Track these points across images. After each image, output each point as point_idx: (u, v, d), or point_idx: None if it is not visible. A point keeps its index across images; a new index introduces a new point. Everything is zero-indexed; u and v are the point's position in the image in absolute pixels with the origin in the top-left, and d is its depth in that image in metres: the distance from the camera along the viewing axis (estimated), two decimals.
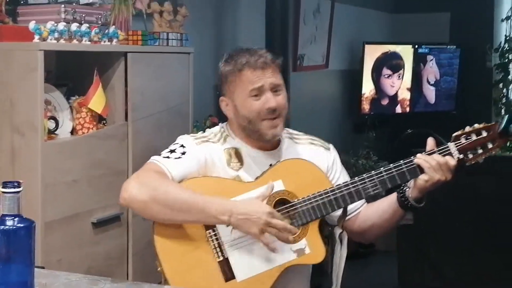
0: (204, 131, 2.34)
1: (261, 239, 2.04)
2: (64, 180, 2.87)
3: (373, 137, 6.47)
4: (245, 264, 2.10)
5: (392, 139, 6.73)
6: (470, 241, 3.96)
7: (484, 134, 2.11)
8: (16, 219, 1.56)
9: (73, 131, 3.05)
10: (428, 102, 7.11)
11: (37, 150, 2.76)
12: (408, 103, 6.94)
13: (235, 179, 2.20)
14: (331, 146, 2.40)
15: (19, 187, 1.56)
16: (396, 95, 6.86)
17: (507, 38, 6.97)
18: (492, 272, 3.94)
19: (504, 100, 7.04)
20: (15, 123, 2.79)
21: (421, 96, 7.05)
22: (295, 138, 2.37)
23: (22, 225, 1.56)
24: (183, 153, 2.18)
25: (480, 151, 2.11)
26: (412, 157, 2.11)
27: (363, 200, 2.30)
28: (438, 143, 2.15)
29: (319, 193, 2.14)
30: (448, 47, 7.16)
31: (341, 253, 2.25)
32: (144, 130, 3.28)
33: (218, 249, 2.10)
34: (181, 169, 2.15)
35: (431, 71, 7.08)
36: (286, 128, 2.35)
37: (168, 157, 2.18)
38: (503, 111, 7.02)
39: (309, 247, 2.13)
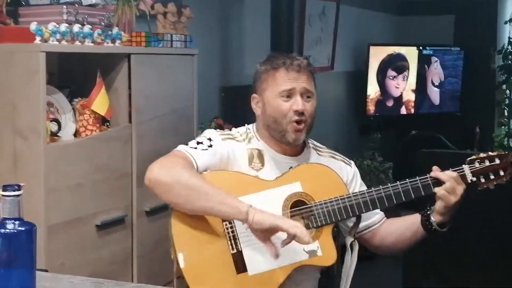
0: (230, 129, 2.40)
1: (266, 245, 2.05)
2: (67, 183, 2.85)
3: (378, 138, 6.48)
4: (258, 259, 2.13)
5: (397, 140, 6.74)
6: (478, 247, 3.93)
7: (497, 161, 2.20)
8: (16, 222, 1.54)
9: (76, 133, 3.02)
10: (433, 104, 7.12)
11: (39, 153, 2.73)
12: (413, 104, 6.96)
13: (255, 177, 2.25)
14: (352, 162, 2.46)
15: (19, 190, 1.54)
16: (401, 96, 6.87)
17: (511, 40, 7.01)
18: (500, 279, 3.90)
19: (507, 101, 7.07)
20: (17, 126, 2.76)
21: (426, 98, 7.06)
22: (318, 149, 2.42)
23: (23, 228, 1.54)
24: (210, 146, 2.24)
25: (492, 176, 2.20)
26: (428, 175, 2.20)
27: (383, 214, 2.38)
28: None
29: (336, 199, 2.19)
30: (452, 49, 7.20)
31: (351, 262, 2.27)
32: (148, 132, 3.26)
33: (233, 242, 2.14)
34: (206, 160, 2.20)
35: (436, 72, 7.09)
36: (310, 139, 2.41)
37: (195, 147, 2.23)
38: (506, 112, 7.03)
39: (321, 250, 2.16)
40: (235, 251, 2.13)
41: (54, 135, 2.88)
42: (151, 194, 3.24)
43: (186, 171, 2.12)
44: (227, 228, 2.14)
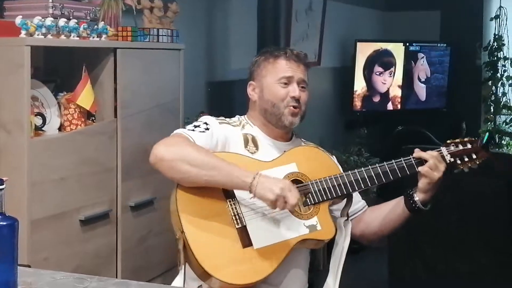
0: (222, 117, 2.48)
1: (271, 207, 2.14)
2: (51, 178, 2.84)
3: (364, 133, 6.49)
4: (262, 233, 2.20)
5: (384, 135, 6.75)
6: (463, 236, 3.95)
7: (469, 146, 2.37)
8: None
9: (61, 128, 3.01)
10: (419, 99, 7.14)
11: (23, 147, 2.72)
12: (399, 100, 6.97)
13: (252, 158, 2.34)
14: (333, 156, 2.56)
15: (2, 184, 1.53)
16: (387, 92, 6.88)
17: (496, 36, 7.06)
18: (485, 267, 3.93)
19: (493, 97, 7.10)
20: (1, 120, 2.75)
21: (412, 94, 7.08)
22: (303, 141, 2.56)
23: (4, 223, 1.54)
24: (207, 129, 2.32)
25: (466, 159, 2.35)
26: (411, 156, 2.32)
27: (364, 203, 2.52)
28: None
29: (330, 177, 2.30)
30: (439, 45, 7.22)
31: (344, 240, 2.34)
32: (134, 127, 3.25)
33: (237, 217, 2.20)
34: (204, 141, 2.27)
35: (422, 68, 7.11)
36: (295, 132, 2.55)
37: (193, 130, 2.31)
38: (492, 108, 7.06)
39: (320, 225, 2.26)
40: (239, 226, 2.19)
41: (38, 129, 2.87)
42: (136, 189, 3.27)
43: (188, 147, 2.20)
44: (231, 205, 2.21)
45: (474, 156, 2.35)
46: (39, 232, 2.78)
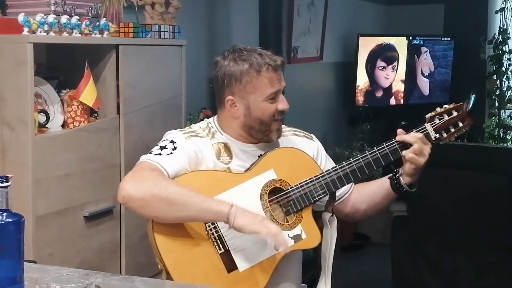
0: (190, 126, 2.35)
1: (260, 233, 2.07)
2: (55, 174, 2.85)
3: (367, 129, 6.48)
4: (246, 254, 2.13)
5: (387, 131, 6.73)
6: (466, 234, 3.96)
7: (455, 113, 2.28)
8: (4, 214, 1.55)
9: (64, 125, 3.02)
10: (422, 94, 7.12)
11: (27, 144, 2.73)
12: (402, 95, 6.95)
13: (226, 171, 2.22)
14: (313, 135, 2.47)
15: (7, 182, 1.54)
16: (390, 87, 6.87)
17: (501, 29, 6.98)
18: (488, 266, 3.93)
19: (497, 91, 7.06)
20: (5, 117, 2.76)
21: (415, 88, 7.06)
22: (283, 130, 2.41)
23: (10, 220, 1.55)
24: (174, 149, 2.19)
25: (452, 129, 2.27)
26: (393, 139, 2.25)
27: (352, 183, 2.39)
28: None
29: (311, 179, 2.22)
30: (442, 39, 7.18)
31: (331, 237, 2.28)
32: (136, 123, 3.26)
33: (218, 242, 2.12)
34: (174, 164, 2.15)
35: (425, 63, 7.09)
36: None
37: (159, 153, 2.18)
38: (496, 103, 7.03)
39: (305, 233, 2.19)
40: (222, 250, 2.12)
41: (42, 126, 2.88)
42: None
43: (159, 182, 2.08)
44: (210, 230, 2.13)
45: (460, 124, 2.28)
46: (44, 228, 2.79)
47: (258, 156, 2.27)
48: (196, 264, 2.11)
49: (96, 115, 3.16)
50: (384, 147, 2.23)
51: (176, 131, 2.29)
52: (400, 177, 2.27)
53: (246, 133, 2.29)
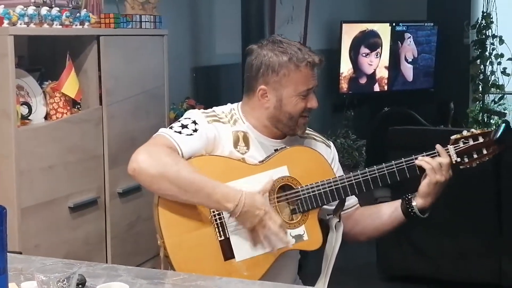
0: (213, 109, 2.30)
1: (253, 235, 2.09)
2: (39, 166, 2.86)
3: (351, 116, 6.50)
4: (245, 246, 2.12)
5: (371, 117, 6.76)
6: (450, 217, 3.98)
7: (481, 140, 2.20)
8: None
9: (47, 116, 3.03)
10: (406, 80, 7.13)
11: (10, 137, 2.74)
12: (386, 81, 6.97)
13: (240, 160, 2.20)
14: (331, 144, 2.44)
15: None
16: (374, 73, 6.88)
17: (484, 14, 6.98)
18: (472, 248, 3.96)
19: (481, 76, 7.07)
20: None
21: (399, 74, 7.08)
22: (305, 134, 2.38)
23: None
24: (195, 130, 2.16)
25: (475, 155, 2.20)
26: (413, 156, 2.19)
27: (356, 200, 2.37)
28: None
29: (322, 183, 2.18)
30: (426, 24, 7.18)
31: (335, 242, 2.25)
32: (119, 114, 3.27)
33: (220, 229, 2.11)
34: (192, 146, 2.14)
35: (409, 49, 7.10)
36: None
37: (180, 132, 2.15)
38: (480, 87, 7.06)
39: (307, 234, 2.17)
40: (222, 238, 2.11)
41: (24, 118, 2.89)
42: (123, 175, 3.28)
43: (172, 163, 2.06)
44: (214, 216, 2.12)
45: (484, 152, 2.19)
46: (29, 220, 2.80)
47: (275, 151, 2.24)
48: (194, 246, 2.10)
49: (78, 106, 3.17)
50: (402, 162, 2.18)
51: (199, 112, 2.24)
52: (412, 199, 2.24)
53: (272, 125, 2.26)
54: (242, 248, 2.12)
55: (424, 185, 2.19)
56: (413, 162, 2.18)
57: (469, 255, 3.97)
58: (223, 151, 2.19)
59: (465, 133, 2.21)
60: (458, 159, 2.18)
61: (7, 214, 1.59)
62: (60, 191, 2.96)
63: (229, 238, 2.12)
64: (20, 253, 2.41)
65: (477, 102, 7.10)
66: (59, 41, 3.12)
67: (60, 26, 2.96)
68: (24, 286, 1.69)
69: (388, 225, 2.32)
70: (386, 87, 6.96)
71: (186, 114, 2.25)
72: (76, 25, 3.05)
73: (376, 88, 6.92)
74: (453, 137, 2.21)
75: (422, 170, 2.18)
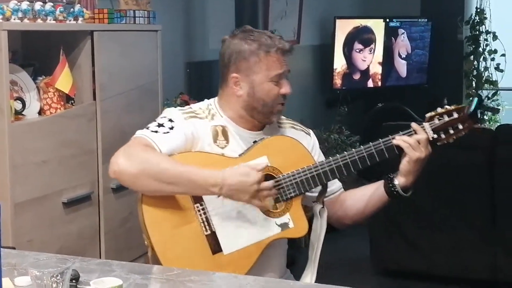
0: (190, 106, 2.33)
1: (253, 204, 2.11)
2: (33, 161, 2.86)
3: (345, 111, 6.49)
4: (232, 238, 2.14)
5: (365, 113, 6.76)
6: (443, 210, 4.00)
7: (455, 115, 2.22)
8: None
9: (40, 111, 3.03)
10: (400, 76, 7.13)
11: (4, 132, 2.74)
12: (379, 77, 6.97)
13: (220, 155, 2.22)
14: (311, 131, 2.46)
15: None
16: (367, 69, 6.88)
17: (478, 10, 6.99)
18: (467, 245, 3.98)
19: (475, 72, 7.08)
20: None
21: (393, 70, 7.07)
22: (278, 121, 2.40)
23: None
24: (171, 128, 2.18)
25: (451, 131, 2.22)
26: (390, 136, 2.20)
27: (340, 185, 2.39)
28: (414, 121, 2.24)
29: (303, 169, 2.19)
30: (419, 20, 7.18)
31: (320, 228, 2.27)
32: (113, 109, 3.27)
33: (206, 223, 2.13)
34: (169, 144, 2.15)
35: (403, 44, 7.10)
36: None
37: (156, 131, 2.17)
38: (473, 83, 7.07)
39: (292, 222, 2.19)
40: (208, 232, 2.13)
41: (18, 113, 2.89)
42: None
43: (150, 157, 2.09)
44: (198, 210, 2.14)
45: (460, 126, 2.22)
46: (23, 215, 2.81)
47: (254, 142, 2.26)
48: (181, 242, 2.12)
49: (72, 101, 3.17)
50: (379, 143, 2.19)
51: (175, 110, 2.27)
52: (395, 178, 2.24)
53: (248, 114, 2.28)
54: (229, 241, 2.14)
55: (404, 163, 2.20)
56: (391, 142, 2.19)
57: (462, 249, 3.99)
58: (203, 146, 2.21)
59: (439, 110, 2.24)
60: (435, 136, 2.21)
61: (1, 209, 1.60)
62: (54, 186, 2.97)
63: (215, 231, 2.14)
64: (14, 248, 2.42)
65: (471, 98, 7.10)
66: (53, 36, 3.12)
67: (54, 21, 2.96)
68: (17, 281, 1.70)
69: (371, 206, 2.33)
70: (379, 83, 6.97)
71: (163, 113, 2.27)
72: (70, 20, 3.06)
73: (370, 84, 6.92)
74: (428, 114, 2.23)
75: (400, 149, 2.19)
